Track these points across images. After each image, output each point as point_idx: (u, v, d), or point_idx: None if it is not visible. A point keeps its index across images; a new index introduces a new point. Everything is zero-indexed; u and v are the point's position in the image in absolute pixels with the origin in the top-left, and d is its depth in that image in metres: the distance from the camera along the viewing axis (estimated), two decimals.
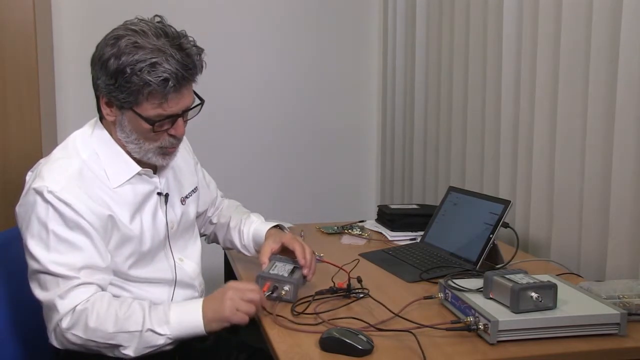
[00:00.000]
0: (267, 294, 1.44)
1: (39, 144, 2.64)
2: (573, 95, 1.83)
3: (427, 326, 1.29)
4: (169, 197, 1.53)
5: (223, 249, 1.95)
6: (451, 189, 2.06)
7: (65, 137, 3.08)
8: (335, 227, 2.25)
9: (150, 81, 1.31)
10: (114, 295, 1.44)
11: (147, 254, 1.48)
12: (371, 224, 2.30)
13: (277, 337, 1.30)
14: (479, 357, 1.21)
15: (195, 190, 1.66)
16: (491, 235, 1.73)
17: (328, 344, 1.23)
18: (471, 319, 1.28)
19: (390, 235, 2.15)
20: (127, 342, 1.33)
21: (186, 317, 1.35)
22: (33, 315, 1.43)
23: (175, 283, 1.53)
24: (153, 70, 1.31)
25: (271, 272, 1.50)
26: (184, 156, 1.65)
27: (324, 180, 3.33)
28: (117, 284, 1.45)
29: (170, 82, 1.33)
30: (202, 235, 1.85)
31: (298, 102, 3.25)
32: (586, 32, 1.76)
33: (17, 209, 1.40)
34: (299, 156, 3.29)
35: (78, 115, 3.00)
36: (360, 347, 1.21)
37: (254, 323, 1.46)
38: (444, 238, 1.92)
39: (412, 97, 2.91)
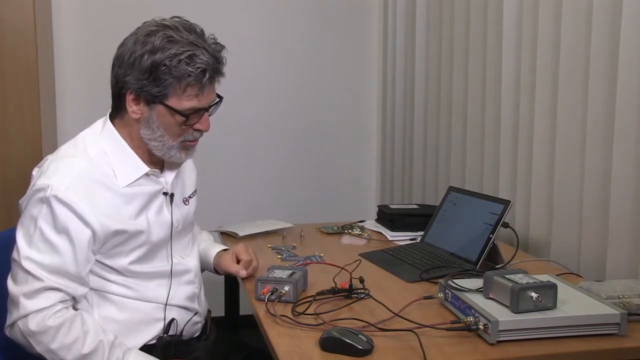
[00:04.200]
0: (267, 296, 1.44)
1: (39, 144, 2.64)
2: (573, 96, 1.83)
3: (427, 326, 1.29)
4: (174, 197, 1.53)
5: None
6: (451, 189, 2.06)
7: (65, 137, 3.09)
8: (335, 227, 2.25)
9: (191, 72, 1.35)
10: (113, 294, 1.44)
11: (150, 251, 1.48)
12: (371, 224, 2.30)
13: (277, 337, 1.30)
14: (479, 357, 1.21)
15: (195, 192, 1.67)
16: (491, 235, 1.73)
17: (328, 343, 1.23)
18: (471, 319, 1.28)
19: (390, 235, 2.15)
20: None
21: None
22: None
23: (171, 279, 1.52)
24: (191, 62, 1.35)
25: (270, 276, 1.51)
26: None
27: (324, 180, 3.33)
28: (119, 281, 1.45)
29: (207, 74, 1.37)
30: None
31: (298, 102, 3.25)
32: (586, 32, 1.76)
33: (20, 200, 1.41)
34: (299, 156, 3.29)
35: (78, 116, 3.01)
36: (360, 347, 1.21)
37: (254, 323, 1.46)
38: (444, 238, 1.92)
39: (412, 97, 2.91)
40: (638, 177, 1.61)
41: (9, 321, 1.35)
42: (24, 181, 2.62)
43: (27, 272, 1.32)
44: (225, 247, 1.79)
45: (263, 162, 3.24)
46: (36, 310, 1.31)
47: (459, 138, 2.53)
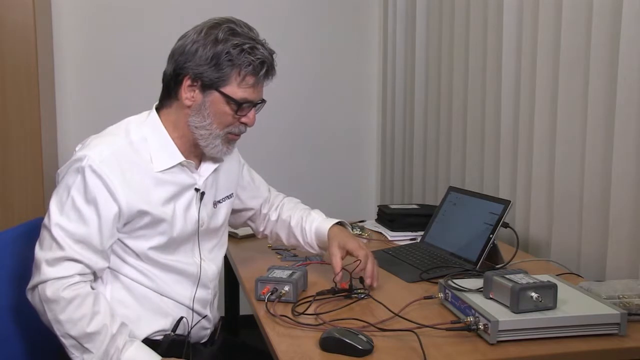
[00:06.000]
0: (267, 296, 1.44)
1: (38, 144, 2.64)
2: (573, 96, 1.83)
3: (427, 326, 1.29)
4: (204, 197, 1.54)
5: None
6: (451, 189, 2.06)
7: (65, 137, 3.09)
8: None
9: (252, 61, 1.43)
10: (127, 277, 1.46)
11: (172, 242, 1.49)
12: (371, 224, 2.30)
13: (277, 337, 1.30)
14: (479, 357, 1.21)
15: (230, 196, 1.67)
16: (491, 235, 1.73)
17: (328, 344, 1.23)
18: (471, 319, 1.28)
19: (390, 235, 2.15)
20: (76, 351, 1.35)
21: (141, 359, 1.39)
22: (38, 316, 1.42)
23: (199, 281, 1.54)
24: (252, 53, 1.44)
25: (270, 276, 1.50)
26: (230, 162, 1.68)
27: (324, 180, 3.33)
28: (135, 265, 1.46)
29: (265, 67, 1.46)
30: (262, 234, 1.85)
31: (298, 103, 3.26)
32: (586, 32, 1.76)
33: (58, 171, 1.45)
34: (299, 156, 3.29)
35: (78, 115, 3.01)
36: (360, 347, 1.21)
37: (254, 323, 1.46)
38: (444, 238, 1.92)
39: (412, 98, 2.91)
40: (638, 177, 1.61)
41: (30, 284, 1.39)
42: (24, 181, 2.63)
43: (54, 238, 1.35)
44: (339, 221, 1.75)
45: (262, 162, 3.22)
46: (55, 278, 1.34)
47: (459, 138, 2.53)
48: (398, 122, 3.07)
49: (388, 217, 2.23)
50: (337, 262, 1.57)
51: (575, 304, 1.33)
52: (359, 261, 1.55)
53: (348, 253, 1.61)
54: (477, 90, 2.38)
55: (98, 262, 1.40)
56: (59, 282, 1.34)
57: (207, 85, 1.44)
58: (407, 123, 2.99)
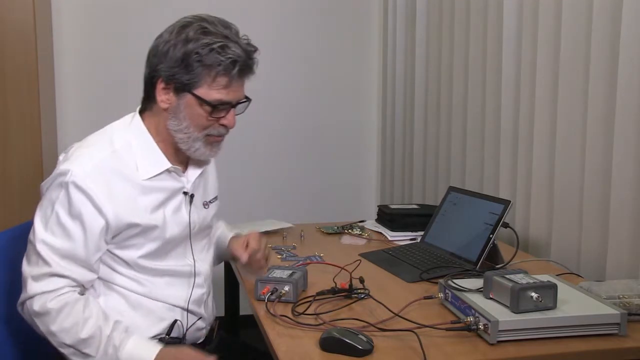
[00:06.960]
0: (267, 296, 1.44)
1: (39, 144, 2.64)
2: (573, 95, 1.83)
3: (427, 326, 1.29)
4: (194, 199, 1.53)
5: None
6: (451, 189, 2.06)
7: (65, 137, 3.09)
8: (335, 227, 2.25)
9: (221, 61, 1.37)
10: (119, 286, 1.45)
11: (165, 247, 1.48)
12: (371, 224, 2.30)
13: (277, 337, 1.30)
14: (479, 357, 1.21)
15: (216, 198, 1.67)
16: (491, 235, 1.73)
17: (328, 344, 1.23)
18: (471, 319, 1.28)
19: (390, 235, 2.15)
20: (77, 358, 1.35)
21: (139, 352, 1.37)
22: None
23: (194, 282, 1.53)
24: (222, 52, 1.37)
25: (270, 276, 1.50)
26: (212, 166, 1.67)
27: (324, 180, 3.33)
28: (126, 274, 1.45)
29: (237, 66, 1.39)
30: None
31: (298, 102, 3.26)
32: (586, 32, 1.76)
33: (42, 184, 1.43)
34: (299, 156, 3.29)
35: (78, 115, 3.01)
36: (360, 347, 1.21)
37: (254, 323, 1.46)
38: (444, 238, 1.92)
39: (412, 97, 2.91)
40: (638, 177, 1.61)
41: (20, 299, 1.39)
42: (24, 181, 2.63)
43: (39, 254, 1.34)
44: (240, 233, 1.76)
45: (263, 162, 3.24)
46: (41, 293, 1.34)
47: (459, 138, 2.53)
48: (398, 122, 3.07)
49: (388, 217, 2.23)
50: (241, 250, 1.60)
51: (575, 304, 1.33)
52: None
53: (247, 241, 1.63)
54: (477, 90, 2.38)
55: (86, 275, 1.39)
56: (46, 296, 1.34)
57: (179, 88, 1.40)
58: (407, 123, 2.99)
